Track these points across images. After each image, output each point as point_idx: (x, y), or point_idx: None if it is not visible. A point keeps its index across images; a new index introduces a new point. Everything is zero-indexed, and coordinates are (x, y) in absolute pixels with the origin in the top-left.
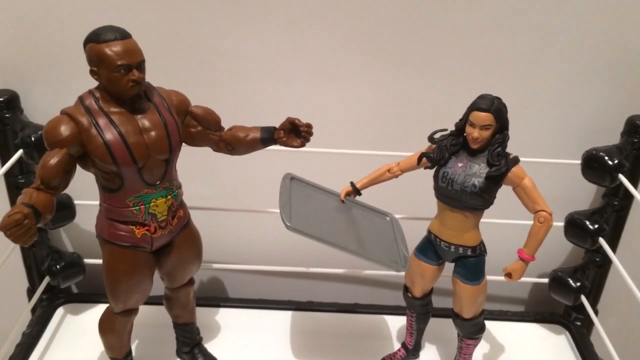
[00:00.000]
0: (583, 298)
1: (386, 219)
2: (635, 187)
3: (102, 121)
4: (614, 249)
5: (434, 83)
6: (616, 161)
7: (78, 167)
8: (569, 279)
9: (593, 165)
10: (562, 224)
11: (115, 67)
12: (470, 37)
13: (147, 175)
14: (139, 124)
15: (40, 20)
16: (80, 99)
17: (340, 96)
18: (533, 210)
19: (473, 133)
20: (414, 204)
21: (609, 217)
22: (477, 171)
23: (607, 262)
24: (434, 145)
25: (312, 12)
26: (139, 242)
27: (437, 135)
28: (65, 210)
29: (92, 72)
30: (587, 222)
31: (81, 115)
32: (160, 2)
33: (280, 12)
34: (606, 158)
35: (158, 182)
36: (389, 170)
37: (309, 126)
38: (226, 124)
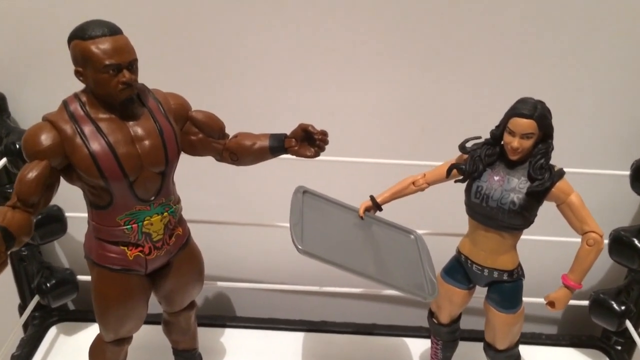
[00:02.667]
0: (627, 322)
1: (410, 237)
2: None
3: (87, 129)
4: None
5: (462, 86)
6: None
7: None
8: (613, 302)
9: None
10: (606, 241)
11: (103, 67)
12: (502, 33)
13: (140, 191)
14: (130, 132)
15: (31, 18)
16: (64, 104)
17: (358, 99)
18: (581, 231)
19: (512, 142)
20: (441, 217)
21: None
22: (516, 186)
23: None
24: (465, 156)
25: (326, 9)
26: (132, 264)
27: (469, 144)
28: (56, 224)
29: (77, 73)
30: (636, 240)
31: (64, 122)
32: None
33: (292, 11)
34: None
35: (153, 198)
36: (413, 183)
37: (324, 134)
38: (231, 131)
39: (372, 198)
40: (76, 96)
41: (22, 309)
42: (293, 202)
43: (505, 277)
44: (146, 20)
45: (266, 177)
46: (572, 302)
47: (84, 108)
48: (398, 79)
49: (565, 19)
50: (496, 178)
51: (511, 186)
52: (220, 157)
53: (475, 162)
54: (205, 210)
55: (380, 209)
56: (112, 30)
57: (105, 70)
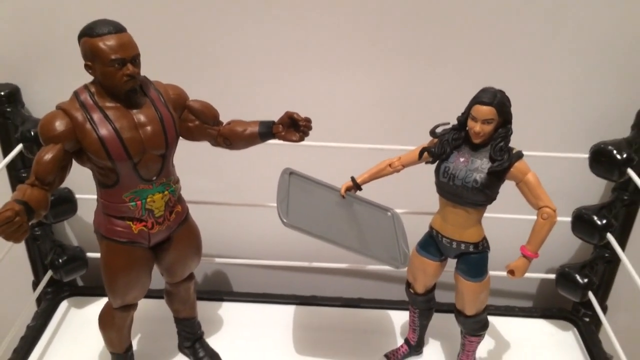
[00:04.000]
0: (591, 295)
1: (387, 214)
2: None
3: (96, 116)
4: (623, 245)
5: (439, 75)
6: (625, 155)
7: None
8: (577, 275)
9: (601, 159)
10: (569, 219)
11: (109, 61)
12: (478, 28)
13: (143, 171)
14: (134, 119)
15: (43, 13)
16: (75, 94)
17: (341, 88)
18: (536, 207)
19: (475, 127)
20: (416, 198)
21: (618, 212)
22: (479, 166)
23: (616, 258)
24: (435, 140)
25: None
26: (136, 237)
27: (439, 129)
28: (67, 204)
29: (86, 67)
30: (595, 218)
31: (76, 110)
32: None
33: (282, 1)
34: (615, 152)
35: (154, 178)
36: (390, 165)
37: (307, 120)
38: (225, 118)
39: (352, 179)
40: (86, 87)
41: (35, 285)
42: (280, 182)
43: (471, 249)
44: (147, 18)
45: (258, 161)
46: (541, 275)
47: (92, 98)
48: (380, 71)
49: (531, 9)
50: (461, 159)
51: (474, 166)
52: (215, 142)
53: (444, 146)
54: (203, 193)
55: (360, 189)
56: (117, 29)
57: (112, 64)
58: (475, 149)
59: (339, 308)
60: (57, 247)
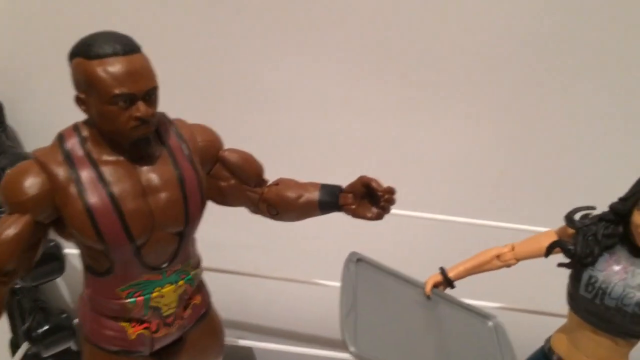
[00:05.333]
0: None
1: (487, 324)
2: None
3: (86, 175)
4: None
5: (559, 128)
6: None
7: None
8: None
9: None
10: None
11: (112, 97)
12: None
13: (150, 257)
14: (142, 181)
15: (36, 17)
16: (60, 139)
17: (418, 136)
18: None
19: None
20: (524, 287)
21: None
22: None
23: None
24: (571, 230)
25: (364, 40)
26: (133, 345)
27: (579, 216)
28: (52, 263)
29: (77, 100)
30: None
31: (57, 164)
32: (184, 15)
33: (328, 40)
34: None
35: (165, 265)
36: (498, 257)
37: (390, 192)
38: (271, 172)
39: (442, 271)
40: (76, 128)
41: (14, 347)
42: (345, 276)
43: None
44: (168, 39)
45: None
46: None
47: (84, 146)
48: (472, 118)
49: None
50: (616, 268)
51: (637, 282)
52: (256, 209)
53: (589, 244)
54: (232, 249)
55: (453, 286)
56: (127, 48)
57: (114, 102)
58: (638, 253)
59: None
60: (39, 311)
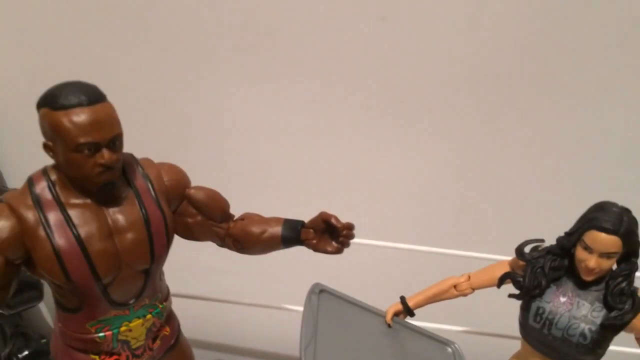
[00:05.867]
0: None
1: (447, 351)
2: None
3: (54, 218)
4: None
5: (519, 162)
6: None
7: None
8: None
9: None
10: None
11: (77, 146)
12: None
13: (117, 294)
14: (108, 222)
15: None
16: (29, 183)
17: (382, 167)
18: None
19: (588, 261)
20: (487, 312)
21: None
22: (588, 313)
23: None
24: (523, 263)
25: (331, 74)
26: None
27: (528, 249)
28: (31, 292)
29: (45, 147)
30: None
31: (26, 207)
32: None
33: (303, 73)
34: None
35: (132, 301)
36: (455, 287)
37: (349, 228)
38: (237, 206)
39: (402, 300)
40: (45, 172)
41: None
42: (306, 308)
43: None
44: (132, 78)
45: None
46: None
47: (52, 189)
48: (433, 151)
49: None
50: (562, 299)
51: (582, 313)
52: (222, 243)
53: (537, 276)
54: (203, 274)
55: (412, 315)
56: (92, 98)
57: (79, 150)
58: (582, 285)
59: None
60: (19, 337)
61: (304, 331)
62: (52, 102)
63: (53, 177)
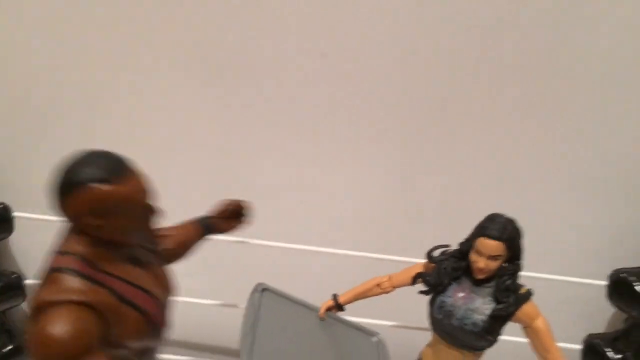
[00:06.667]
0: None
1: (371, 340)
2: None
3: (116, 284)
4: None
5: (451, 182)
6: None
7: None
8: (608, 349)
9: (621, 290)
10: (580, 347)
11: (145, 207)
12: (492, 127)
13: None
14: (151, 274)
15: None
16: (68, 271)
17: (335, 187)
18: (543, 359)
19: (478, 262)
20: (411, 309)
21: (637, 339)
22: (480, 306)
23: None
24: (433, 265)
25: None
26: None
27: (437, 253)
28: (13, 292)
29: (89, 228)
30: (608, 352)
31: (92, 292)
32: None
33: (272, 89)
34: (636, 285)
35: None
36: (378, 285)
37: (245, 205)
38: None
39: (334, 297)
40: (74, 258)
41: None
42: (249, 303)
43: None
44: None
45: (228, 259)
46: (563, 345)
47: (95, 265)
48: (377, 164)
49: (553, 128)
50: (460, 295)
51: (475, 305)
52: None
53: (441, 275)
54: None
55: (342, 309)
56: (127, 166)
57: (146, 209)
58: (477, 283)
59: None
60: (4, 333)
61: (244, 323)
62: (97, 177)
63: (87, 256)
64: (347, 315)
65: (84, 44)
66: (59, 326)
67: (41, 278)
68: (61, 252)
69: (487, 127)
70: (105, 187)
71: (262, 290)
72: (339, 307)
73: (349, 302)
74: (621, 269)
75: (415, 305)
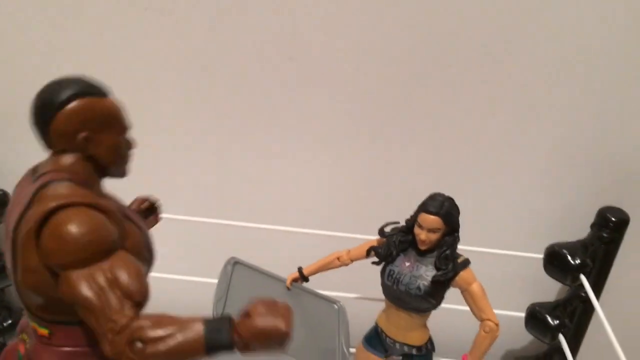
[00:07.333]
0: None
1: (333, 307)
2: (603, 284)
3: (114, 204)
4: (576, 345)
5: (402, 163)
6: (578, 261)
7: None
8: (547, 316)
9: (554, 262)
10: (523, 314)
11: (126, 129)
12: (444, 119)
13: None
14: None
15: None
16: (65, 181)
17: (300, 170)
18: (479, 318)
19: (420, 235)
20: (373, 282)
21: (574, 308)
22: (423, 273)
23: None
24: (384, 239)
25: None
26: None
27: (388, 229)
28: None
29: (81, 140)
30: (549, 317)
31: (105, 199)
32: None
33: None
34: (568, 256)
35: None
36: (338, 258)
37: (155, 201)
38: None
39: (299, 270)
40: (61, 171)
41: None
42: (221, 275)
43: (414, 352)
44: None
45: (201, 240)
46: (508, 312)
47: (86, 183)
48: (345, 152)
49: (497, 108)
50: (407, 264)
51: (419, 273)
52: None
53: (390, 247)
54: None
55: (307, 280)
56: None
57: (126, 133)
58: (421, 254)
59: None
60: (4, 309)
61: (216, 293)
62: (95, 90)
63: (78, 174)
64: (315, 289)
65: (80, 42)
66: (77, 223)
67: (26, 204)
68: (47, 172)
69: (443, 118)
70: (98, 98)
71: (234, 263)
72: (304, 278)
73: (313, 273)
74: (555, 243)
75: (374, 280)
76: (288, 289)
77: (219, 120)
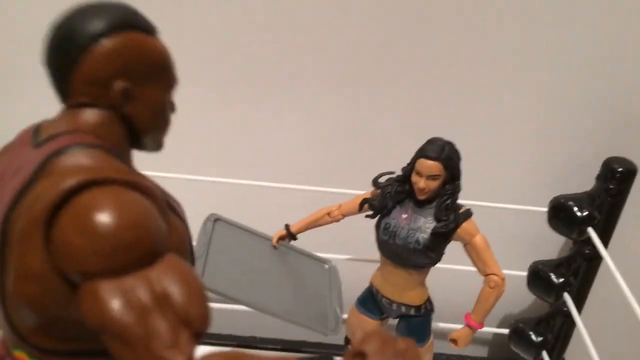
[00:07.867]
0: (545, 354)
1: (324, 267)
2: (609, 237)
3: (151, 184)
4: (580, 304)
5: (391, 112)
6: (585, 213)
7: None
8: (531, 332)
9: (560, 215)
10: (525, 273)
11: (175, 84)
12: (435, 63)
13: None
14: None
15: None
16: (86, 147)
17: (283, 121)
18: (483, 273)
19: (419, 183)
20: (363, 242)
21: (578, 266)
22: (422, 225)
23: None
24: (378, 191)
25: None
26: None
27: (382, 180)
28: None
29: (125, 93)
30: (552, 275)
31: (138, 176)
32: None
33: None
34: (575, 209)
35: None
36: (328, 214)
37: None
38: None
39: (286, 227)
40: (81, 132)
41: None
42: (201, 232)
43: (412, 312)
44: None
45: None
46: (494, 329)
47: (118, 156)
48: (327, 104)
49: (494, 55)
50: (404, 216)
51: (417, 225)
52: None
53: (385, 199)
54: None
55: (295, 238)
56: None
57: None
58: (419, 205)
59: (280, 352)
60: None
61: (197, 246)
62: (142, 24)
63: (95, 133)
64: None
65: None
66: (112, 210)
67: (27, 179)
68: (60, 133)
69: (437, 65)
70: (146, 36)
71: (215, 220)
72: (292, 236)
73: (301, 231)
74: (561, 195)
75: (367, 240)
76: (274, 247)
77: (199, 73)
